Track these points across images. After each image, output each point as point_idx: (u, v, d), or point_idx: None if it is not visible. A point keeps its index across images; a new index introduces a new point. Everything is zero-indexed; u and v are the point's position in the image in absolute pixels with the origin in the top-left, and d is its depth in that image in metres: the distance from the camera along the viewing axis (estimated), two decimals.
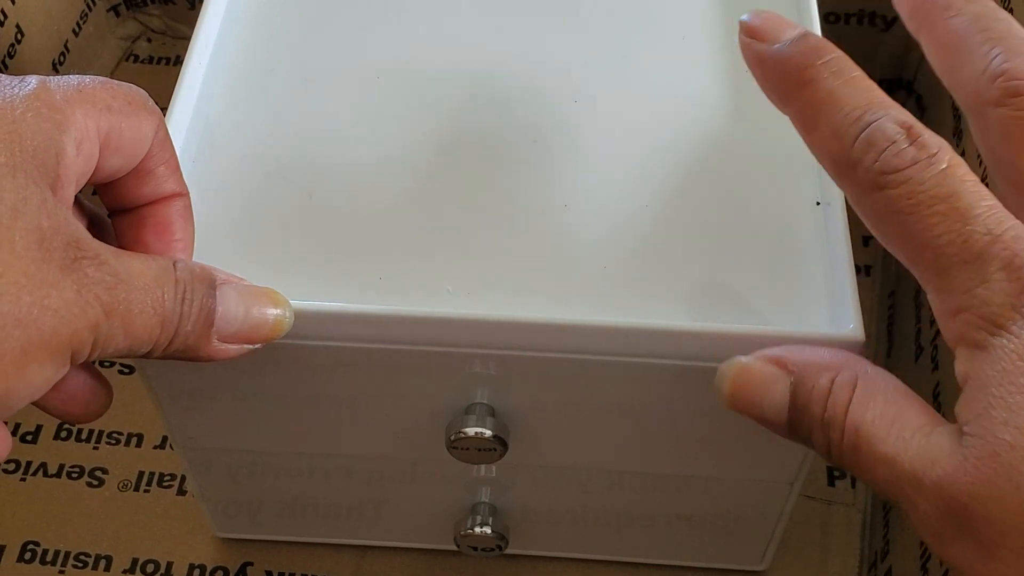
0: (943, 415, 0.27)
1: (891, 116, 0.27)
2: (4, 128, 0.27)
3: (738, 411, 0.30)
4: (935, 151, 0.26)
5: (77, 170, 0.28)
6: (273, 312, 0.31)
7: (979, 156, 0.41)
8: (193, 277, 0.29)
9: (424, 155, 0.37)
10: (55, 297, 0.26)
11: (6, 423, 0.29)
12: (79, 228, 0.27)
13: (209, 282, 0.30)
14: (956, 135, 0.47)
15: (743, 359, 0.30)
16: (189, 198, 0.32)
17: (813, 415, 0.28)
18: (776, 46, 0.29)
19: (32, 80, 0.28)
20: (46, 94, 0.28)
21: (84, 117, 0.28)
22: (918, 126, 0.27)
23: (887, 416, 0.27)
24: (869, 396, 0.27)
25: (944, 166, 0.26)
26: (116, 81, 0.30)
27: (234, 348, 0.31)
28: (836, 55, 0.28)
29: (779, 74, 0.29)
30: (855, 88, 0.28)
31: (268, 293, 0.32)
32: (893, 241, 0.27)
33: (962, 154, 0.46)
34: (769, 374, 0.29)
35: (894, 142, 0.26)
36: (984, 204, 0.26)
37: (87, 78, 0.29)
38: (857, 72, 0.28)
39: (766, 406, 0.29)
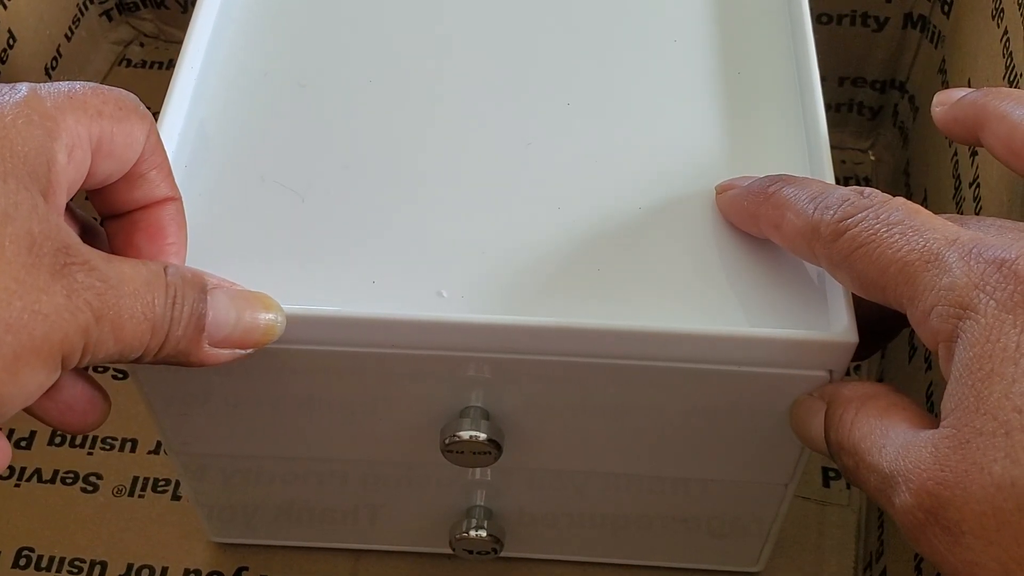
0: (936, 414, 0.27)
1: (842, 188, 0.31)
2: None
3: (802, 442, 0.33)
4: (885, 198, 0.29)
5: (69, 177, 0.28)
6: (265, 317, 0.31)
7: (971, 156, 0.41)
8: (184, 282, 0.29)
9: (417, 159, 0.37)
10: (45, 302, 0.26)
11: (2, 430, 0.28)
12: (70, 234, 0.27)
13: (200, 287, 0.30)
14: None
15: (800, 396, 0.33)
16: (181, 202, 0.32)
17: (831, 442, 0.30)
18: (744, 184, 0.34)
19: (23, 87, 0.28)
20: (36, 101, 0.28)
21: (75, 123, 0.28)
22: (867, 188, 0.30)
23: (876, 431, 0.28)
24: (865, 418, 0.29)
25: (895, 202, 0.29)
26: (106, 86, 0.30)
27: (225, 353, 0.31)
28: (790, 175, 0.33)
29: (749, 196, 0.33)
30: (810, 184, 0.32)
31: (260, 297, 0.32)
32: (865, 275, 0.29)
33: (956, 154, 0.46)
34: (811, 407, 0.32)
35: (847, 199, 0.30)
36: (938, 220, 0.28)
37: (77, 84, 0.29)
38: (810, 178, 0.32)
39: (814, 436, 0.32)
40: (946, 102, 0.33)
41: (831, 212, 0.30)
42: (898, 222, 0.28)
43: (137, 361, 0.29)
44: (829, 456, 0.31)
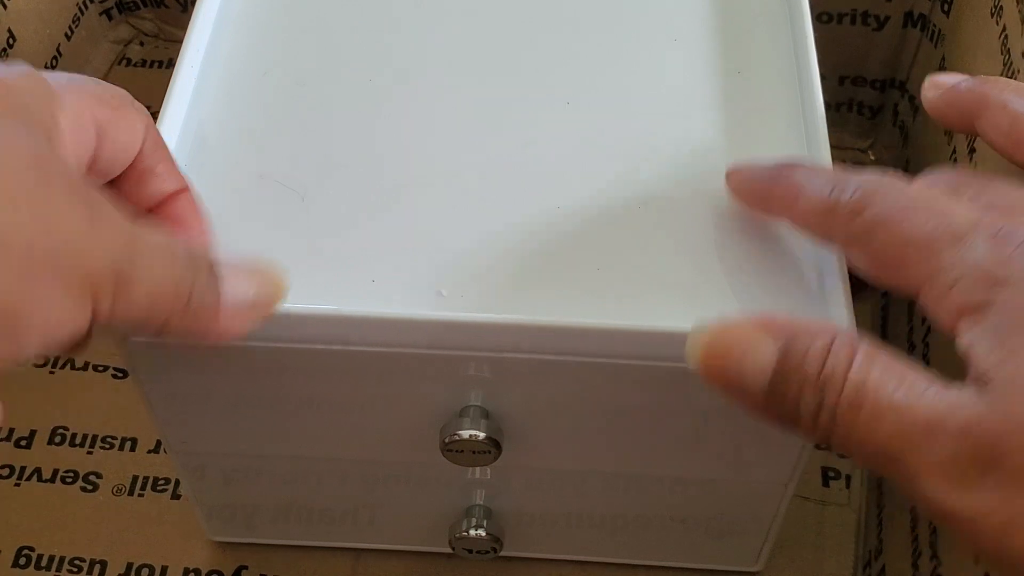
0: None
1: (860, 173, 0.30)
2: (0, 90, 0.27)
3: (710, 376, 0.29)
4: (908, 180, 0.29)
5: (75, 143, 0.28)
6: (271, 279, 0.31)
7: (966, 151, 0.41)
8: (197, 255, 0.29)
9: (416, 158, 0.37)
10: (70, 227, 0.25)
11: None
12: (85, 177, 0.27)
13: (211, 261, 0.30)
14: (948, 134, 0.47)
15: (724, 320, 0.29)
16: (192, 190, 0.33)
17: (806, 375, 0.27)
18: (758, 166, 0.34)
19: (21, 62, 0.29)
20: (38, 75, 0.28)
21: (77, 101, 0.29)
22: (889, 170, 0.30)
23: (895, 370, 0.26)
24: (873, 354, 0.27)
25: (918, 183, 0.29)
26: (104, 82, 0.30)
27: (239, 325, 0.30)
28: (806, 160, 0.33)
29: (763, 173, 0.33)
30: (825, 170, 0.32)
31: (263, 263, 0.31)
32: (884, 251, 0.28)
33: (954, 152, 0.46)
34: (754, 337, 0.28)
35: (868, 180, 0.29)
36: (962, 204, 0.28)
37: (76, 75, 0.30)
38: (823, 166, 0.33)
39: (747, 370, 0.28)
40: (940, 86, 0.33)
41: (851, 188, 0.29)
42: (925, 201, 0.28)
43: (158, 331, 0.28)
44: (760, 398, 0.28)
